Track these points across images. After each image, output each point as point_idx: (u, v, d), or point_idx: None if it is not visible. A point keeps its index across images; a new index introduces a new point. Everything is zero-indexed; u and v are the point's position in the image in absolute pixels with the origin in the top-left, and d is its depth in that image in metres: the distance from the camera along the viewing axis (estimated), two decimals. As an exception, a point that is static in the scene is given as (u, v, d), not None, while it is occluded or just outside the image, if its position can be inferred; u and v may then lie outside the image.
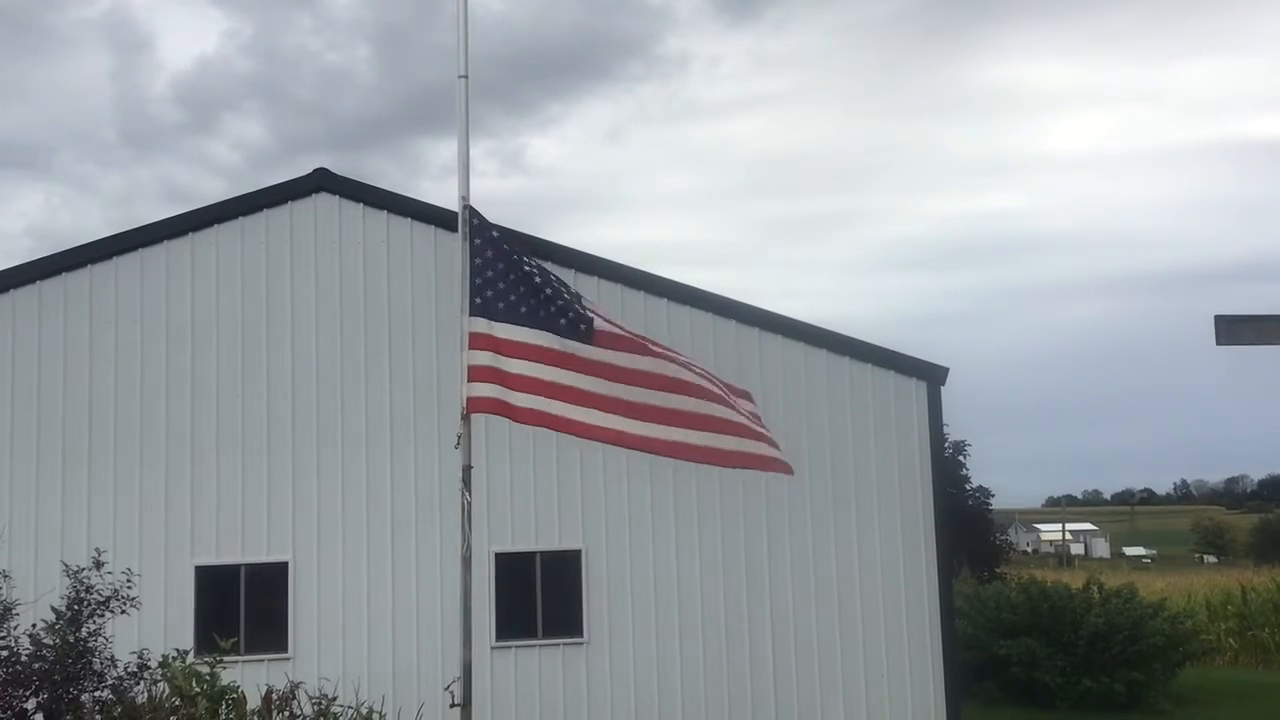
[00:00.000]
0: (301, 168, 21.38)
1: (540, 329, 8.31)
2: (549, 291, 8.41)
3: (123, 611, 8.99)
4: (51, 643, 8.54)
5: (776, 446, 8.89)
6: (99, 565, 8.93)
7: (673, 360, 8.55)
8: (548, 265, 9.01)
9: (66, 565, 9.04)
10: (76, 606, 8.76)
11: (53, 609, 8.74)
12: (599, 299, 16.88)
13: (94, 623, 8.77)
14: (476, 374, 8.21)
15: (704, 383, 8.61)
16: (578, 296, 8.55)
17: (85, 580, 8.87)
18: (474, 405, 8.24)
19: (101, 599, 8.87)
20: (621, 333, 8.46)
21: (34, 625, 8.71)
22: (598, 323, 8.39)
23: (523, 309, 8.34)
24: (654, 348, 8.56)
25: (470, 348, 8.23)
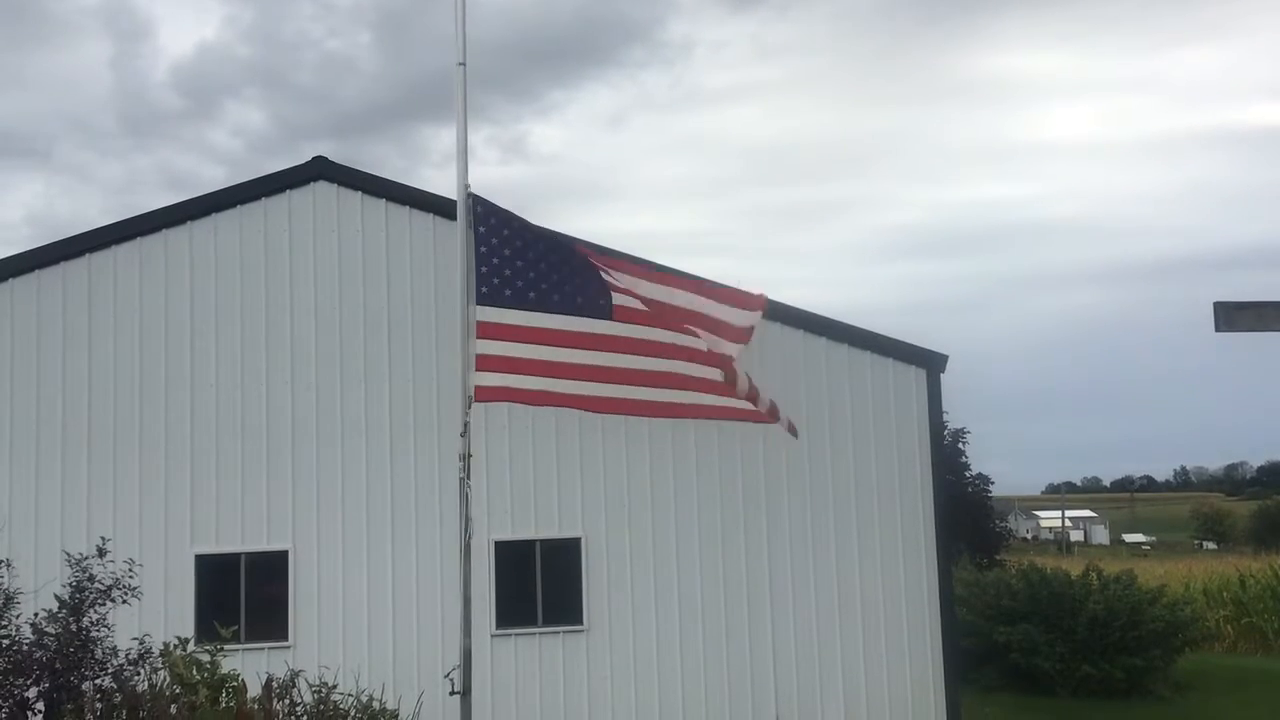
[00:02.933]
0: (302, 155, 21.36)
1: (552, 312, 8.30)
2: (566, 270, 8.38)
3: (124, 601, 9.00)
4: (53, 631, 8.55)
5: (774, 411, 9.07)
6: (102, 553, 8.94)
7: (678, 328, 8.60)
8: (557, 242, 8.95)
9: (69, 554, 9.04)
10: (79, 595, 8.77)
11: (56, 597, 8.75)
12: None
13: (96, 612, 8.78)
14: (484, 363, 8.19)
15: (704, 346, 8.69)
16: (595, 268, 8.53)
17: (87, 569, 8.88)
18: (481, 394, 8.23)
19: (103, 588, 8.88)
20: (638, 305, 8.48)
21: (36, 614, 8.72)
22: (617, 298, 8.43)
23: (531, 294, 8.31)
24: (664, 309, 8.57)
25: (478, 336, 8.20)
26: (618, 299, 8.44)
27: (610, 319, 8.39)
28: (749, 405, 8.89)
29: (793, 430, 9.53)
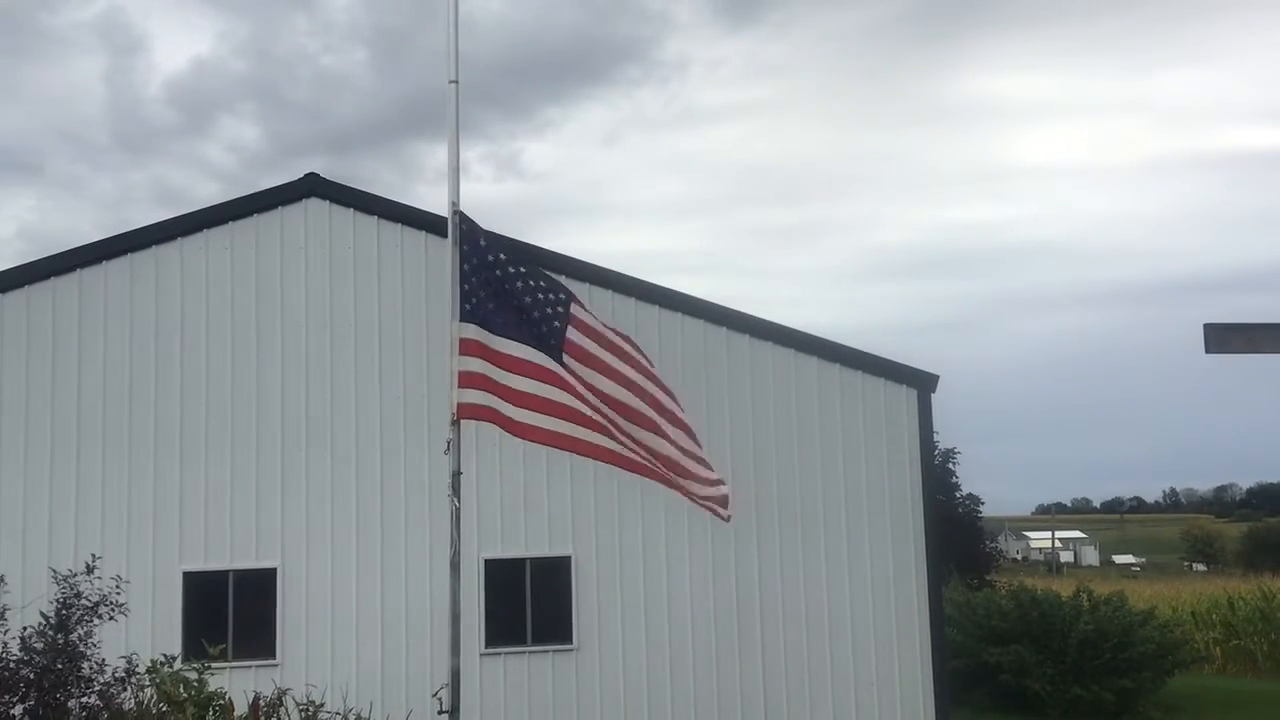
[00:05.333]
0: (296, 171, 21.37)
1: (522, 342, 8.32)
2: (529, 300, 8.39)
3: (111, 618, 8.95)
4: (40, 647, 8.50)
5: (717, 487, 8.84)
6: (90, 570, 8.89)
7: (635, 388, 8.50)
8: (537, 268, 8.91)
9: (55, 571, 8.99)
10: (65, 612, 8.71)
11: (41, 614, 8.69)
12: (589, 305, 16.89)
13: (83, 628, 8.73)
14: (466, 380, 8.18)
15: (654, 415, 8.55)
16: (564, 301, 8.49)
17: (74, 586, 8.83)
18: (463, 411, 8.21)
19: (90, 605, 8.83)
20: (591, 350, 8.41)
21: (25, 629, 8.67)
22: (569, 336, 8.36)
23: (501, 320, 8.34)
24: (622, 367, 8.50)
25: (460, 353, 8.20)
26: (570, 335, 8.37)
27: (559, 362, 8.31)
28: (703, 490, 8.80)
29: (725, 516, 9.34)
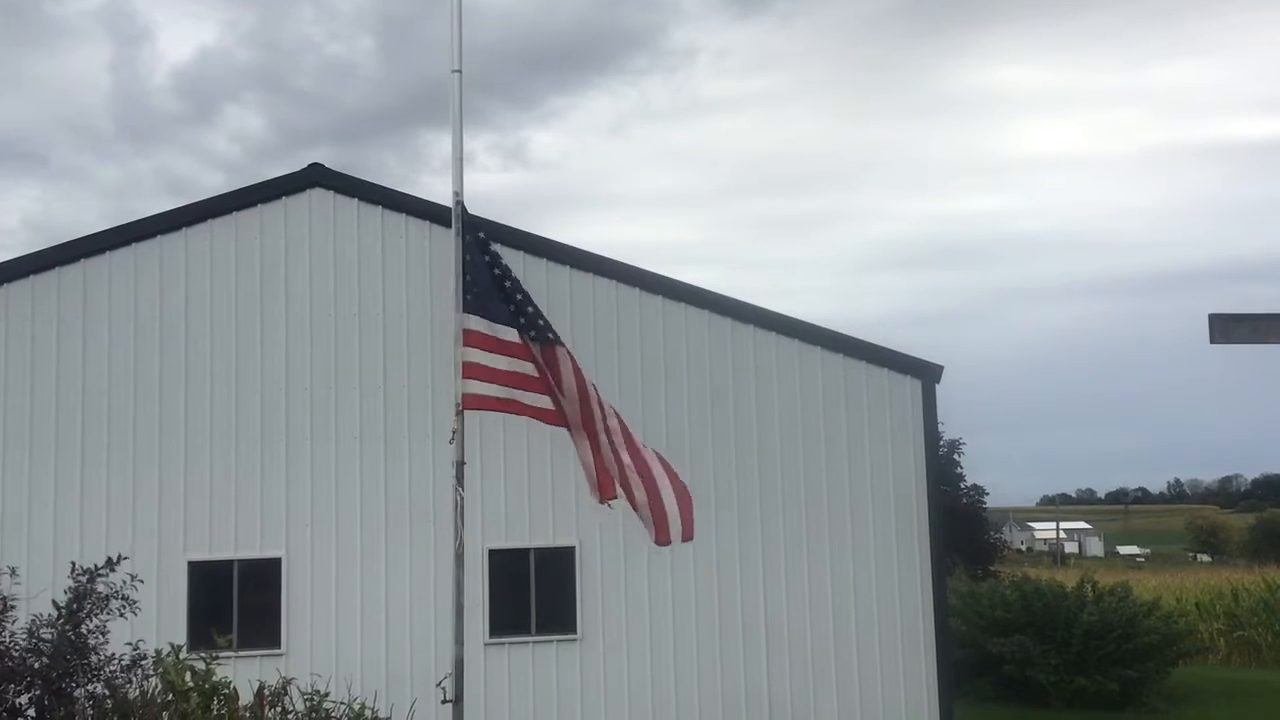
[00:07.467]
0: (302, 160, 21.31)
1: (519, 329, 8.38)
2: (520, 296, 8.47)
3: (121, 614, 8.94)
4: (49, 636, 8.50)
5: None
6: (113, 567, 8.87)
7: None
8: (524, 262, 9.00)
9: (75, 564, 8.98)
10: (76, 605, 8.70)
11: (54, 603, 8.70)
12: (594, 295, 16.97)
13: (93, 620, 8.72)
14: (470, 370, 8.19)
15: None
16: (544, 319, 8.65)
17: (87, 586, 8.79)
18: (468, 401, 8.22)
19: (101, 597, 8.82)
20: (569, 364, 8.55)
21: (34, 617, 8.67)
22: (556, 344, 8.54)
23: (499, 306, 8.38)
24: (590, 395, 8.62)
25: (464, 344, 8.21)
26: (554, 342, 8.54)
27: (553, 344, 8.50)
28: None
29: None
